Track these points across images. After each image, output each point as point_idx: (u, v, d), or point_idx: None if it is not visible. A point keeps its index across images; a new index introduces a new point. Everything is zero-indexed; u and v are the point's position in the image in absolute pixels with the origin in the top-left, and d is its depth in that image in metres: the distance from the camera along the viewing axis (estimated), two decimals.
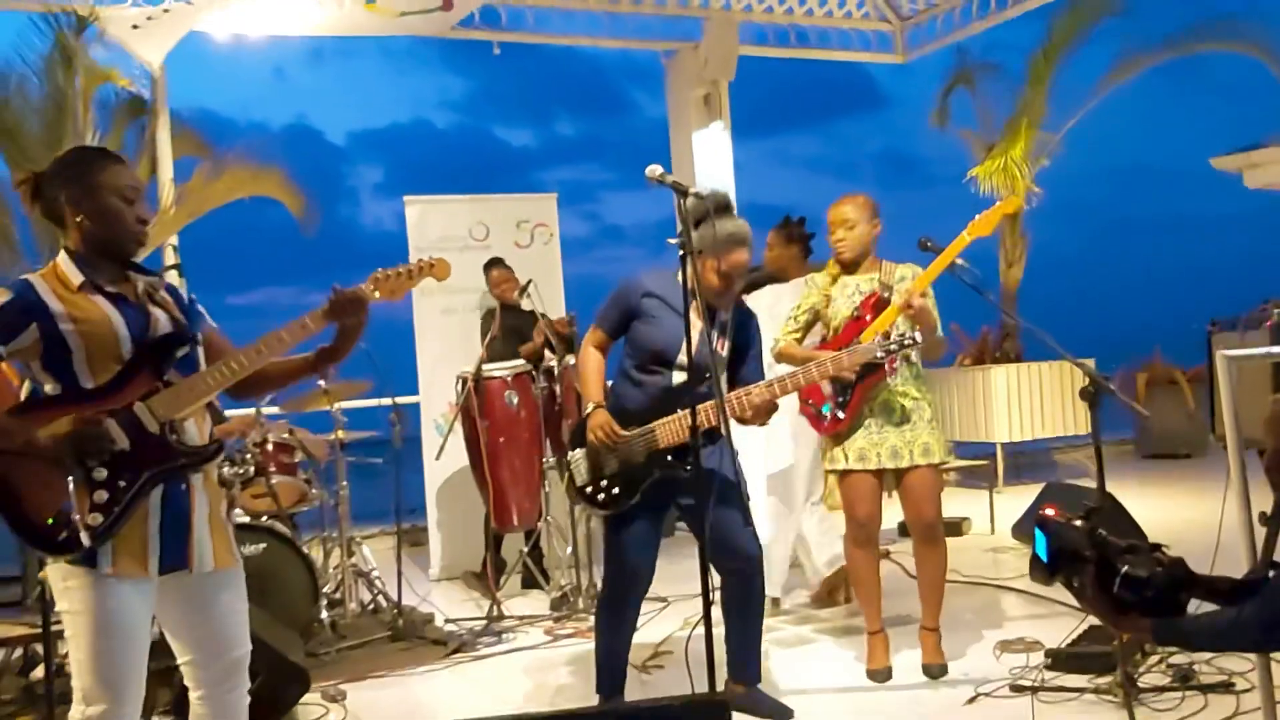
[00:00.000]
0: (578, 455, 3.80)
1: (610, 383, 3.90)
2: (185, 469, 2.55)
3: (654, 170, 3.24)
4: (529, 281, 6.16)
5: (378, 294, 2.65)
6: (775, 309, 4.92)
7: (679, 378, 3.68)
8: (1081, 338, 3.84)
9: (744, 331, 3.86)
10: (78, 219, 2.54)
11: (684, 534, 3.97)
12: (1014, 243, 10.67)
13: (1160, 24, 10.31)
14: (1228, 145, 9.97)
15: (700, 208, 3.48)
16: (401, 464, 5.81)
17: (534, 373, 6.14)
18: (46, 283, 2.50)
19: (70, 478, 2.40)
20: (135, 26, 6.70)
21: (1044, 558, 2.53)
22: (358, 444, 6.09)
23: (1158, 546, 2.38)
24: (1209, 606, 2.25)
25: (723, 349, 3.74)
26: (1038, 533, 2.56)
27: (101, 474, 2.43)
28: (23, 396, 2.56)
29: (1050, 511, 2.62)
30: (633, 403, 3.75)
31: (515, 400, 6.04)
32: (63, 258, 2.55)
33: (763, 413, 3.64)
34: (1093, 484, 3.65)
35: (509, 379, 6.05)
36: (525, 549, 6.29)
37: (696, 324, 3.58)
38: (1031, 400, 9.72)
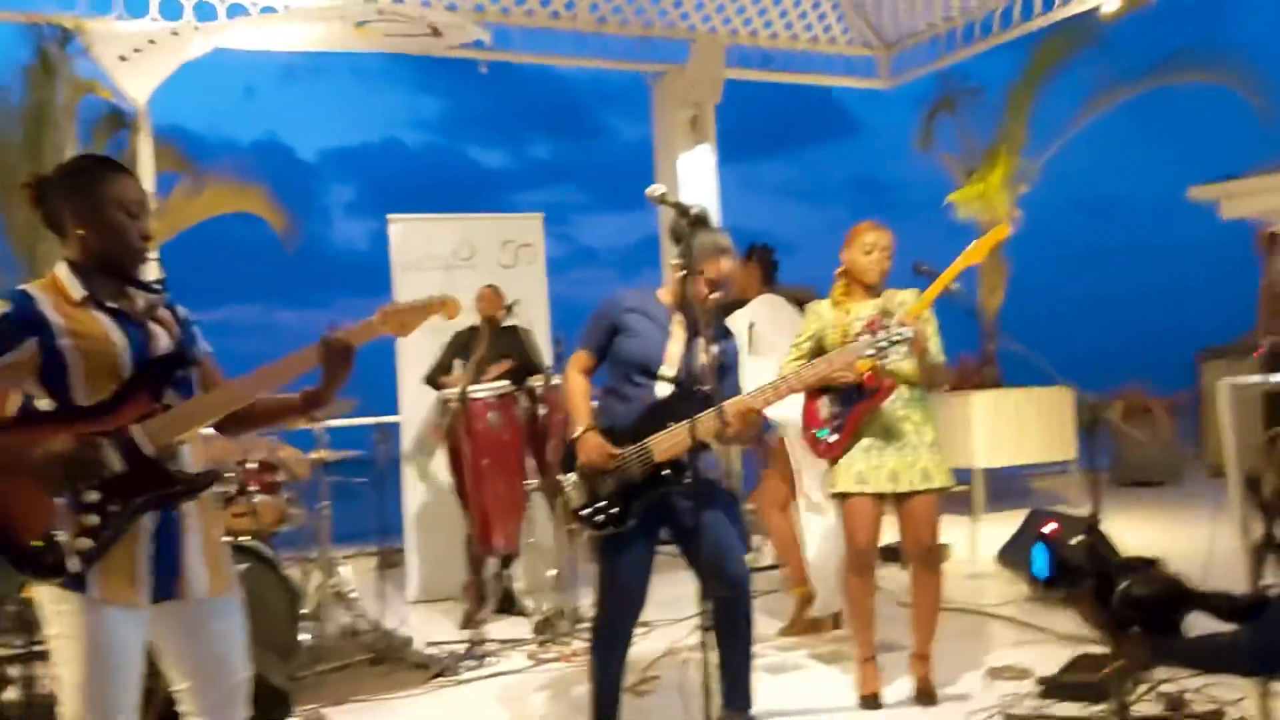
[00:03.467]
0: (571, 478, 3.76)
1: (596, 404, 3.88)
2: (179, 496, 2.47)
3: (655, 190, 3.24)
4: (514, 301, 6.12)
5: (386, 328, 2.55)
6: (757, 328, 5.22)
7: (662, 389, 3.68)
8: (1057, 364, 3.87)
9: (723, 351, 3.85)
10: (79, 231, 2.45)
11: (663, 557, 3.92)
12: (994, 269, 10.68)
13: (1138, 56, 10.41)
14: (1197, 176, 10.10)
15: (680, 222, 3.51)
16: (384, 485, 5.73)
17: (517, 394, 6.09)
18: (46, 295, 2.41)
19: (60, 499, 2.33)
20: (123, 58, 6.60)
21: (1044, 573, 2.54)
22: (339, 463, 6.00)
23: (1153, 562, 2.39)
24: (1207, 621, 2.26)
25: (711, 356, 3.68)
26: (1039, 547, 2.57)
27: (93, 497, 2.35)
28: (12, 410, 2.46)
29: (1051, 527, 2.63)
30: (621, 420, 3.73)
31: (499, 422, 5.98)
32: (62, 269, 2.45)
33: (747, 427, 3.62)
34: (1072, 511, 3.69)
35: (493, 400, 6.00)
36: (507, 571, 6.23)
37: (681, 336, 3.69)
38: (1010, 426, 9.72)
